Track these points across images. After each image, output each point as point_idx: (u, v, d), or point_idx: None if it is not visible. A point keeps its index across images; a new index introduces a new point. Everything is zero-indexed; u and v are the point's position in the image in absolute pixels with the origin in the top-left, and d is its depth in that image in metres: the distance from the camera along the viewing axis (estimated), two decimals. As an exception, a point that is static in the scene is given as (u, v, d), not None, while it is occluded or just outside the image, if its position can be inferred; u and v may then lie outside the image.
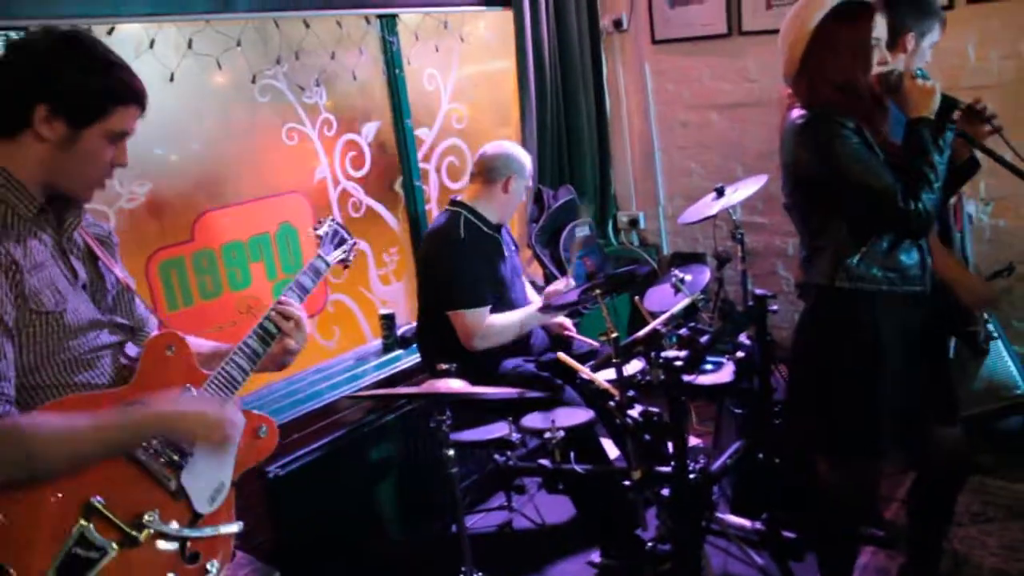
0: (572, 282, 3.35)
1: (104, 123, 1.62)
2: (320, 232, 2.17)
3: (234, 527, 1.78)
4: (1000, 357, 3.18)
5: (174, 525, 1.66)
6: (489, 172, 3.23)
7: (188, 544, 1.68)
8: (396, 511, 3.34)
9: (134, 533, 1.58)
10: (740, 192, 3.46)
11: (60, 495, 1.51)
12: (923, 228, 2.18)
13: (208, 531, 1.72)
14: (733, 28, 4.30)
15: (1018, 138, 2.25)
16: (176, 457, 1.69)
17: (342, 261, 2.20)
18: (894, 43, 2.59)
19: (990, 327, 3.17)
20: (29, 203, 1.61)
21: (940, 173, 2.14)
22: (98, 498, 1.55)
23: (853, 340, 2.26)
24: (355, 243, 2.24)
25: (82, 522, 1.52)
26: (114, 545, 1.55)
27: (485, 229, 3.20)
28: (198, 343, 1.93)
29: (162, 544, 1.64)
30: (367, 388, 3.31)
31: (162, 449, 1.67)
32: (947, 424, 2.38)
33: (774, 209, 3.94)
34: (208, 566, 1.69)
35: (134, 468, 1.63)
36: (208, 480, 1.74)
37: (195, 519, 1.71)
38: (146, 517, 1.61)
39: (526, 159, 3.28)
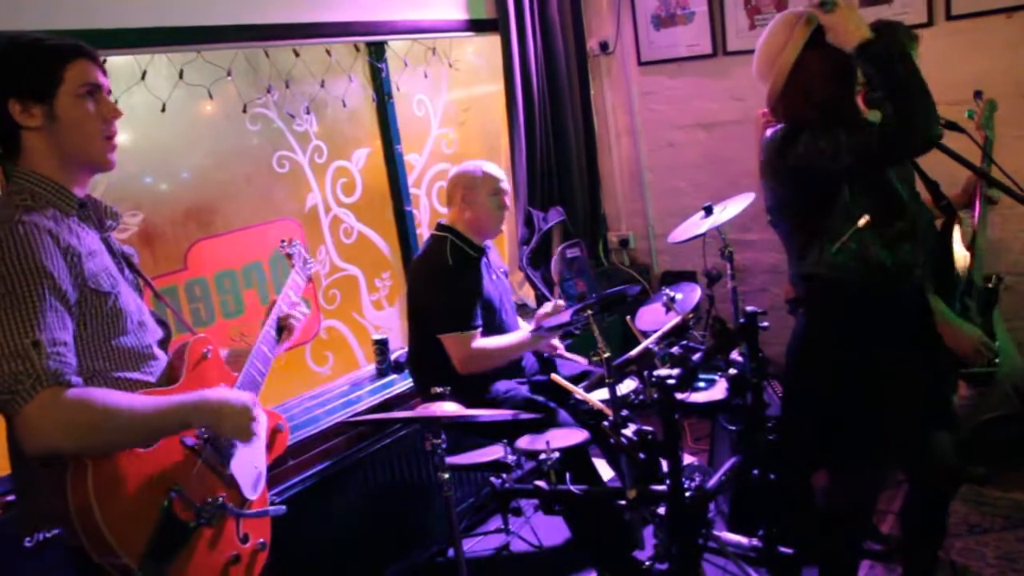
0: (561, 303, 3.36)
1: (65, 85, 1.73)
2: (291, 251, 2.47)
3: (281, 509, 2.02)
4: (991, 369, 3.20)
5: (235, 507, 1.88)
6: (449, 196, 3.29)
7: (241, 525, 1.92)
8: (393, 536, 3.33)
9: (207, 514, 1.79)
10: (729, 210, 3.49)
11: (145, 483, 1.69)
12: (931, 135, 2.09)
13: (260, 511, 1.97)
14: (718, 48, 4.36)
15: (1000, 151, 2.28)
16: (223, 448, 1.90)
17: (309, 279, 2.49)
18: None
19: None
20: (69, 200, 1.76)
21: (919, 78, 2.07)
22: (178, 485, 1.74)
23: (846, 359, 2.26)
24: (314, 264, 2.56)
25: (166, 504, 1.71)
26: (191, 525, 1.76)
27: (471, 252, 3.22)
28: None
29: (228, 524, 1.87)
30: (362, 413, 3.31)
31: (213, 441, 1.87)
32: (941, 429, 2.39)
33: (763, 226, 3.96)
34: (258, 544, 1.95)
35: (195, 459, 1.83)
36: (250, 469, 1.97)
37: (244, 503, 1.94)
38: (218, 500, 1.82)
39: (488, 168, 3.26)
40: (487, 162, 3.32)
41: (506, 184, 3.31)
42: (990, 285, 3.14)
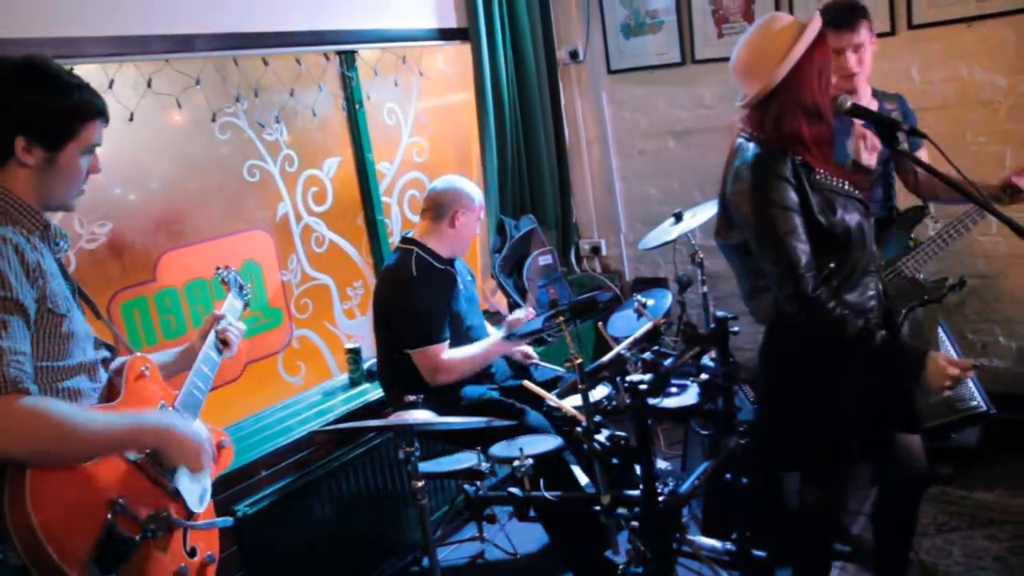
0: (532, 311, 3.37)
1: (76, 141, 1.79)
2: (226, 277, 2.49)
3: (228, 520, 2.04)
4: (956, 370, 3.25)
5: (182, 519, 1.88)
6: (437, 208, 3.26)
7: (188, 539, 1.91)
8: (367, 546, 3.31)
9: (152, 527, 1.78)
10: (698, 216, 3.53)
11: (87, 497, 1.68)
12: (810, 322, 2.15)
13: (207, 523, 1.98)
14: (686, 57, 4.40)
15: (961, 158, 2.29)
16: (167, 463, 1.88)
17: (246, 305, 2.50)
18: None
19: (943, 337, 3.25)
20: (36, 222, 1.79)
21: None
22: (121, 499, 1.72)
23: (810, 366, 2.27)
24: (250, 288, 2.58)
25: (109, 517, 1.69)
26: (137, 538, 1.74)
27: (437, 264, 3.21)
28: (161, 358, 2.22)
29: (175, 537, 1.86)
30: (335, 423, 3.30)
31: (155, 455, 1.86)
32: (909, 433, 2.43)
33: (732, 232, 4.01)
34: (206, 558, 1.95)
35: (140, 473, 1.82)
36: (195, 484, 1.97)
37: (190, 517, 1.93)
38: (163, 513, 1.81)
39: (474, 192, 3.30)
40: (472, 183, 3.36)
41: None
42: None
